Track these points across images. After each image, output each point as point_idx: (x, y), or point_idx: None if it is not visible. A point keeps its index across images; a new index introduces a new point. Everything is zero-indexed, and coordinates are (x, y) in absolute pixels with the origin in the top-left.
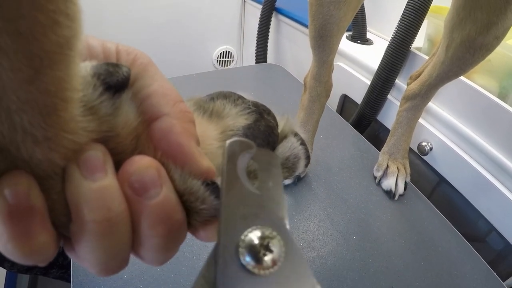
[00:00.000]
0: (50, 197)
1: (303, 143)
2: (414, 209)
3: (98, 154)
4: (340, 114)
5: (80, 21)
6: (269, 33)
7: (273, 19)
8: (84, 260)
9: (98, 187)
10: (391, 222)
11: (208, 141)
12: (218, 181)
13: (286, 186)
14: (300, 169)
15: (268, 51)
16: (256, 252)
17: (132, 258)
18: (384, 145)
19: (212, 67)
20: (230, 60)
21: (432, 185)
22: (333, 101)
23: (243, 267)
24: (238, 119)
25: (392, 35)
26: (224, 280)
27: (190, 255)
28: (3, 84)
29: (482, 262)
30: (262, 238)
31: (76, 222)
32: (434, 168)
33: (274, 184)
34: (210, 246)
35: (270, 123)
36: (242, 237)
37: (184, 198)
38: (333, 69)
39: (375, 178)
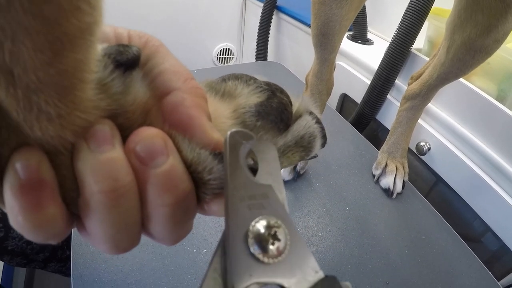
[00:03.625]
0: (60, 173)
1: (318, 121)
2: (412, 207)
3: (105, 128)
4: (340, 113)
5: (100, 9)
6: (270, 31)
7: (274, 17)
8: (95, 237)
9: (104, 158)
10: (388, 220)
11: (221, 120)
12: None
13: (286, 183)
14: (316, 148)
15: (268, 48)
16: (264, 241)
17: (132, 250)
18: (384, 144)
19: (212, 64)
20: (230, 57)
21: (429, 184)
22: (332, 100)
23: (253, 256)
24: (250, 98)
25: (393, 35)
26: (235, 270)
27: (190, 249)
28: (24, 64)
29: (478, 261)
30: (268, 227)
31: (84, 194)
32: (431, 168)
33: (274, 174)
34: (210, 239)
35: (283, 100)
36: (250, 227)
37: (191, 169)
38: (334, 68)
39: (374, 176)
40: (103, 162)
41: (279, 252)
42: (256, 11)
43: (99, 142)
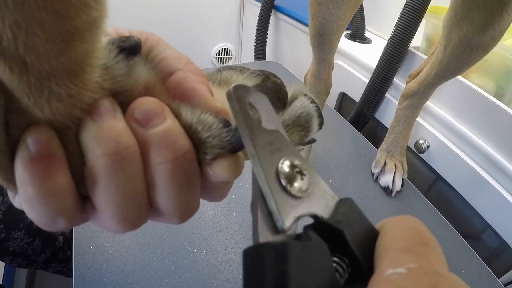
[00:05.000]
0: (68, 149)
1: (313, 101)
2: (411, 205)
3: (106, 103)
4: (338, 112)
5: (105, 5)
6: (268, 31)
7: (272, 17)
8: (102, 212)
9: (106, 125)
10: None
11: (220, 102)
12: (232, 123)
13: None
14: (314, 127)
15: (266, 48)
16: (294, 178)
17: (133, 250)
18: (383, 142)
19: (211, 64)
20: (228, 58)
21: (428, 182)
22: (331, 99)
23: (289, 193)
24: (246, 82)
25: (391, 34)
26: (280, 209)
27: (191, 248)
28: (38, 53)
29: (478, 259)
30: (292, 166)
31: (89, 162)
32: (430, 166)
33: (274, 120)
34: (210, 239)
35: (277, 82)
36: (279, 169)
37: (191, 131)
38: (333, 67)
39: (373, 174)
40: (105, 129)
41: (307, 187)
42: (254, 11)
43: (100, 113)
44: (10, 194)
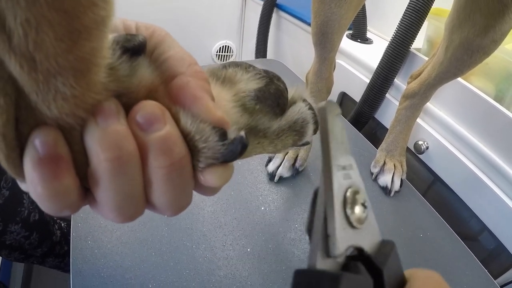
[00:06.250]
0: (73, 148)
1: (311, 108)
2: (409, 206)
3: (111, 105)
4: None
5: (113, 4)
6: (270, 29)
7: (273, 15)
8: (103, 206)
9: (110, 130)
10: (386, 218)
11: (223, 102)
12: (230, 132)
13: (286, 179)
14: (309, 133)
15: (268, 46)
16: (357, 209)
17: (132, 245)
18: (382, 142)
19: (212, 61)
20: (229, 55)
21: (427, 183)
22: (331, 99)
23: (349, 221)
24: (249, 84)
25: (393, 35)
26: (338, 235)
27: (190, 244)
28: (46, 51)
29: (475, 260)
30: (358, 196)
31: (92, 164)
32: (429, 167)
33: (346, 146)
34: (209, 235)
35: (279, 87)
36: (347, 195)
37: (189, 138)
38: (335, 67)
39: (372, 174)
40: (109, 133)
41: (365, 219)
42: (256, 9)
43: (105, 116)
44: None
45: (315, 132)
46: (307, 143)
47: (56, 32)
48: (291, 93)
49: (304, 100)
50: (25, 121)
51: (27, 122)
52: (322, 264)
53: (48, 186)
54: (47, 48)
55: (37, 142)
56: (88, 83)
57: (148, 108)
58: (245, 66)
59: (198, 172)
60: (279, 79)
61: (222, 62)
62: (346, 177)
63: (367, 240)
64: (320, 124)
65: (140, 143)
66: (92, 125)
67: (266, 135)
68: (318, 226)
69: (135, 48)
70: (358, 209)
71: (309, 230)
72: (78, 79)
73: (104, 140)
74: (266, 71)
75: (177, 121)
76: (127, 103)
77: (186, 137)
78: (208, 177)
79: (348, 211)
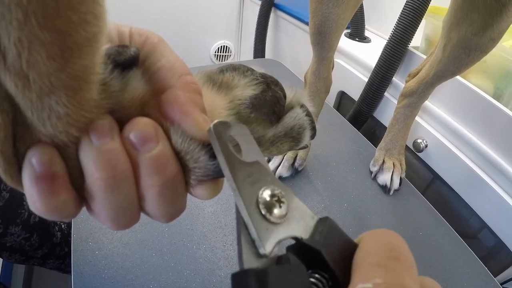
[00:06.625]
0: (69, 164)
1: (308, 114)
2: (409, 204)
3: (104, 123)
4: (337, 110)
5: (105, 20)
6: (268, 29)
7: (271, 15)
8: (99, 217)
9: (103, 149)
10: (386, 216)
11: (217, 110)
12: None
13: (285, 179)
14: (305, 139)
15: (266, 46)
16: (273, 206)
17: (133, 246)
18: (381, 141)
19: (210, 61)
20: (227, 55)
21: (426, 181)
22: (330, 97)
23: (268, 220)
24: (246, 90)
25: (391, 33)
26: (260, 236)
27: (190, 245)
28: (39, 71)
29: (474, 257)
30: (272, 195)
31: (87, 181)
32: (428, 165)
33: (254, 150)
34: (209, 236)
35: (276, 93)
36: (259, 199)
37: (180, 156)
38: (333, 66)
39: (371, 173)
40: (103, 153)
41: (285, 212)
42: (254, 8)
43: (99, 135)
44: None
45: (312, 137)
46: (305, 147)
47: (48, 51)
48: (289, 97)
49: (302, 106)
50: (22, 138)
51: (24, 139)
52: (255, 264)
53: (45, 202)
54: (39, 67)
55: (34, 161)
56: (80, 101)
57: (140, 127)
58: (243, 70)
59: (189, 186)
60: (277, 84)
61: (220, 62)
62: (254, 181)
63: (299, 227)
64: (212, 145)
65: (133, 161)
66: (86, 143)
67: (261, 143)
68: (241, 234)
69: (126, 62)
70: (275, 207)
71: (237, 236)
72: (70, 98)
73: (98, 160)
74: (264, 76)
75: (169, 138)
76: (121, 118)
77: (178, 155)
78: (199, 192)
79: (264, 211)
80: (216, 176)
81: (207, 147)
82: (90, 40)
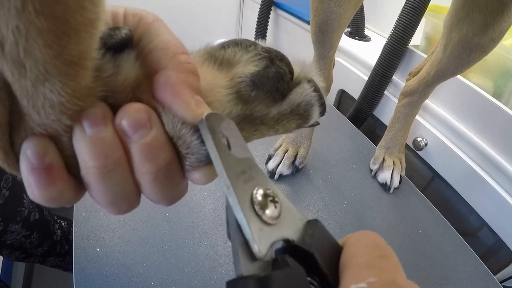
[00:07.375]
0: (65, 153)
1: (316, 89)
2: (409, 202)
3: (97, 111)
4: (337, 109)
5: (103, 6)
6: (268, 28)
7: (271, 14)
8: (98, 202)
9: (97, 138)
10: (386, 214)
11: (217, 89)
12: None
13: (286, 177)
14: (314, 116)
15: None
16: (267, 207)
17: (134, 243)
18: (381, 139)
19: None
20: None
21: (426, 180)
22: (330, 96)
23: (263, 221)
24: (247, 66)
25: (391, 32)
26: (255, 237)
27: (191, 242)
28: (35, 58)
29: (474, 255)
30: (265, 195)
31: (82, 169)
32: (428, 164)
33: (243, 145)
34: (210, 233)
35: (280, 69)
36: (254, 199)
37: (173, 141)
38: (334, 65)
39: (371, 171)
40: (95, 142)
41: (279, 213)
42: (253, 7)
43: (91, 124)
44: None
45: (322, 114)
46: (316, 124)
47: (44, 39)
48: (297, 72)
49: (310, 81)
50: (17, 127)
51: (19, 129)
52: (251, 268)
53: (43, 191)
54: (36, 55)
55: (29, 153)
56: (74, 89)
57: (131, 113)
58: (246, 45)
59: (185, 171)
60: (282, 59)
61: None
62: (247, 179)
63: (290, 229)
64: (204, 139)
65: (127, 149)
66: (79, 132)
67: (264, 121)
68: (235, 235)
69: (117, 45)
70: (269, 208)
71: (230, 237)
72: (64, 85)
73: (91, 149)
74: (268, 50)
75: (162, 122)
76: (115, 103)
77: (171, 140)
78: (194, 177)
79: (259, 212)
80: (209, 161)
81: (200, 131)
82: (87, 25)
